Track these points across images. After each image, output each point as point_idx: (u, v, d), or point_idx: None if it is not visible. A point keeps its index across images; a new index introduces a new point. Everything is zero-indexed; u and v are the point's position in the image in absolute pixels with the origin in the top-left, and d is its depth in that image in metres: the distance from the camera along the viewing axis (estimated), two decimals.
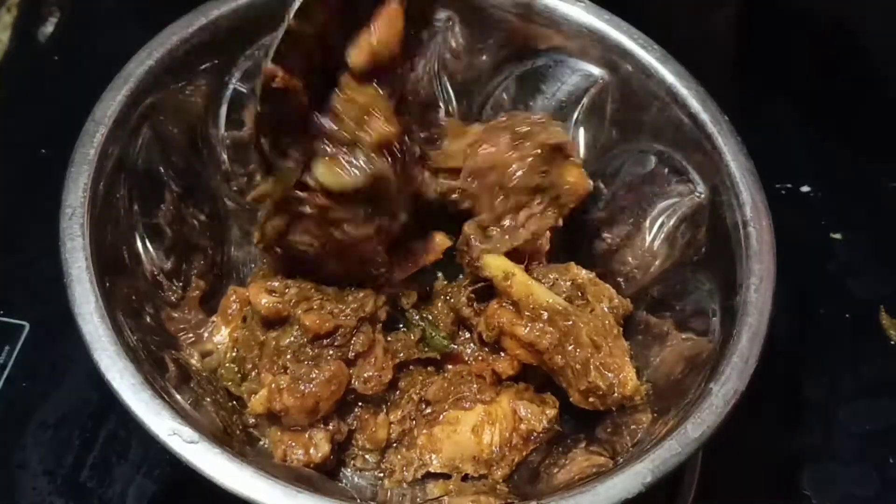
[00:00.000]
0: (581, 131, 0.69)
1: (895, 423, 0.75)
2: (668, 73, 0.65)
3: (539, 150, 0.62)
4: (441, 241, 0.63)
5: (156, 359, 0.55)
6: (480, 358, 0.64)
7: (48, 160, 0.83)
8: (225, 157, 0.67)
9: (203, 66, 0.63)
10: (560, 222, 0.64)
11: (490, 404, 0.61)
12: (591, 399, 0.59)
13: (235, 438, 0.57)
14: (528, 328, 0.60)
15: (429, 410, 0.62)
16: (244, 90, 0.65)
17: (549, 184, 0.63)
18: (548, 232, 0.64)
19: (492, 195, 0.63)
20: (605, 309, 0.62)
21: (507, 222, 0.63)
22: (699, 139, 0.63)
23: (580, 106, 0.68)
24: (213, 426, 0.56)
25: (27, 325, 0.74)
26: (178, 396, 0.54)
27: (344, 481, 0.62)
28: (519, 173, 0.62)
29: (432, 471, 0.61)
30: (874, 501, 0.72)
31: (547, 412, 0.61)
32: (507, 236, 0.63)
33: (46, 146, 0.84)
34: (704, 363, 0.56)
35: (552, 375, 0.61)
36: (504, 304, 0.61)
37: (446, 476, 0.61)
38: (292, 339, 0.59)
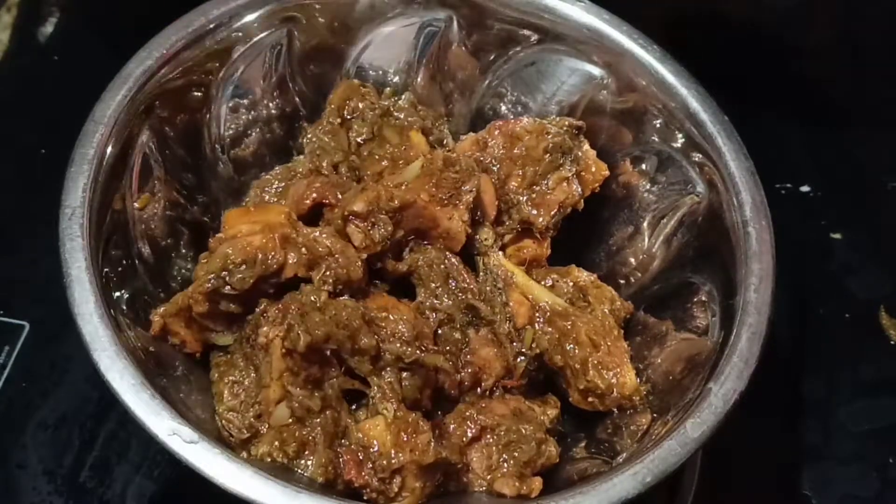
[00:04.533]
0: None
1: (895, 423, 0.75)
2: (668, 73, 0.65)
3: (565, 126, 0.65)
4: None
5: (156, 359, 0.55)
6: None
7: (48, 160, 0.83)
8: (224, 157, 0.67)
9: (203, 66, 0.64)
10: (582, 203, 0.65)
11: None
12: (590, 399, 0.59)
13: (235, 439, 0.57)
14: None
15: None
16: (243, 90, 0.66)
17: (576, 154, 0.65)
18: (548, 238, 0.65)
19: (523, 164, 0.64)
20: (607, 311, 0.62)
21: (536, 188, 0.64)
22: (699, 139, 0.63)
23: (580, 106, 0.68)
24: (213, 426, 0.56)
25: (27, 325, 0.74)
26: (179, 397, 0.54)
27: None
28: (549, 136, 0.64)
29: None
30: (874, 501, 0.72)
31: (548, 412, 0.61)
32: (536, 205, 0.63)
33: (46, 146, 0.84)
34: (704, 363, 0.56)
35: (553, 376, 0.61)
36: None
37: None
38: None
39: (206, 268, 0.56)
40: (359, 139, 0.66)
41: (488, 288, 0.61)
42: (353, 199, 0.57)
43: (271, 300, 0.57)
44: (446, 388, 0.57)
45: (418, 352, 0.55)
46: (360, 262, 0.57)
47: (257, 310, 0.57)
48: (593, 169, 0.66)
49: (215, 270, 0.56)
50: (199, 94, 0.64)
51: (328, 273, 0.56)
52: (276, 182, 0.64)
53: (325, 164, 0.64)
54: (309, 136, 0.66)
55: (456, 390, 0.57)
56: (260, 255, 0.56)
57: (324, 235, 0.57)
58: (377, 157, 0.65)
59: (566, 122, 0.66)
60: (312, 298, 0.55)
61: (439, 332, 0.59)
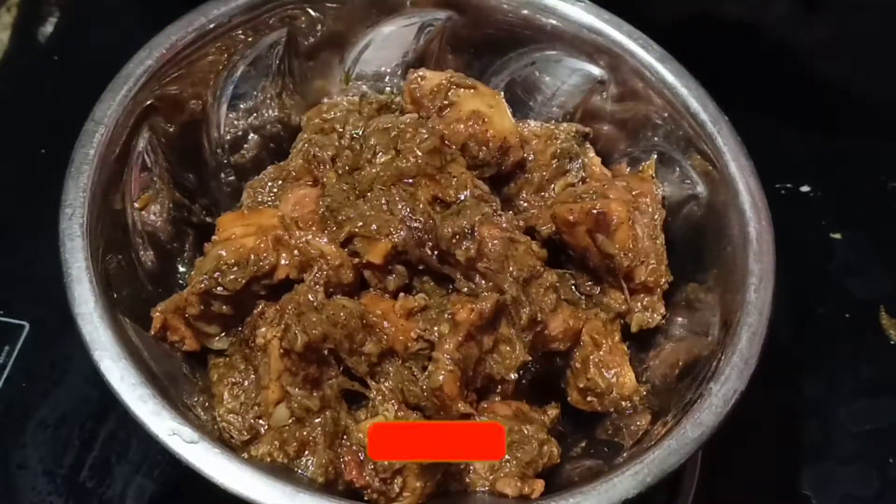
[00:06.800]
0: None
1: (895, 422, 0.75)
2: (668, 73, 0.65)
3: (573, 132, 0.66)
4: None
5: (156, 359, 0.55)
6: None
7: (48, 160, 0.83)
8: (224, 158, 0.67)
9: (203, 67, 0.63)
10: None
11: None
12: (589, 398, 0.60)
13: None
14: None
15: None
16: (243, 90, 0.65)
17: (582, 161, 0.65)
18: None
19: (531, 169, 0.64)
20: (608, 313, 0.62)
21: (542, 194, 0.64)
22: (699, 139, 0.63)
23: (580, 106, 0.68)
24: (214, 427, 0.56)
25: (27, 325, 0.74)
26: (179, 397, 0.54)
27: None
28: (558, 142, 0.64)
29: None
30: (874, 501, 0.72)
31: (549, 412, 0.61)
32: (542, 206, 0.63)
33: (46, 146, 0.84)
34: (704, 363, 0.56)
35: (553, 376, 0.61)
36: None
37: None
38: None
39: (199, 269, 0.56)
40: (354, 132, 0.65)
41: None
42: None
43: (264, 303, 0.57)
44: None
45: None
46: (351, 266, 0.57)
47: (255, 311, 0.57)
48: (597, 169, 0.66)
49: (208, 271, 0.56)
50: (200, 94, 0.64)
51: (319, 275, 0.56)
52: (270, 182, 0.64)
53: (318, 157, 0.63)
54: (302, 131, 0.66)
55: None
56: (252, 257, 0.56)
57: (317, 238, 0.57)
58: (376, 145, 0.64)
59: (574, 129, 0.66)
60: (310, 298, 0.55)
61: None
